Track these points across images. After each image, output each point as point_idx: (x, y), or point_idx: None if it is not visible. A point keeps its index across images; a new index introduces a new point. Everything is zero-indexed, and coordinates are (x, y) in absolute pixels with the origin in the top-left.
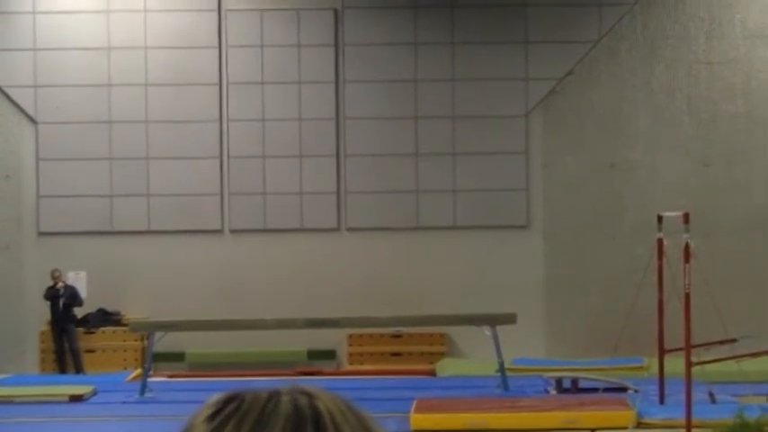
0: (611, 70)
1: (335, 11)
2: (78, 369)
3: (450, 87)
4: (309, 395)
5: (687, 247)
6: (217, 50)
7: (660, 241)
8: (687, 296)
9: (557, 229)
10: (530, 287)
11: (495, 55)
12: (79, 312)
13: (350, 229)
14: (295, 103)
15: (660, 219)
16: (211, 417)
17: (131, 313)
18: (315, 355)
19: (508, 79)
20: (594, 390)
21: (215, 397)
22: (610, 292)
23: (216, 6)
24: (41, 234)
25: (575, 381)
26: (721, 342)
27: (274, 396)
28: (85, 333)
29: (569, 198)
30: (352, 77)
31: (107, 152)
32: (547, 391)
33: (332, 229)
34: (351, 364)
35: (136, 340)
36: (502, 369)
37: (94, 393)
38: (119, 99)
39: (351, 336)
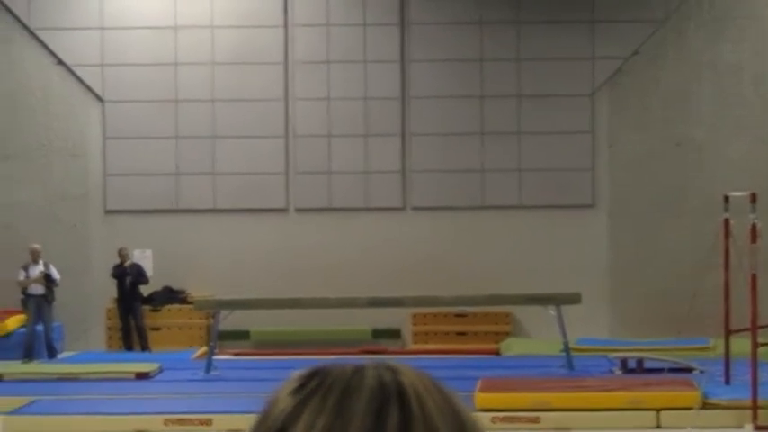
0: (678, 49)
1: None
2: (144, 347)
3: (515, 67)
4: (394, 370)
5: (754, 227)
6: (283, 29)
7: (726, 222)
8: (753, 277)
9: (622, 209)
10: (594, 266)
11: (561, 34)
12: (145, 290)
13: (414, 208)
14: (360, 82)
15: (726, 199)
16: (296, 390)
17: (196, 291)
18: (379, 334)
19: (574, 59)
20: (660, 370)
21: (299, 371)
22: (675, 272)
23: None
24: (108, 212)
25: (640, 361)
26: None
27: (359, 371)
28: (151, 311)
29: (635, 177)
30: (417, 57)
31: (173, 131)
32: (612, 372)
33: (397, 209)
34: (415, 343)
35: (201, 318)
36: (566, 349)
37: (160, 371)
38: (185, 78)
39: (415, 315)
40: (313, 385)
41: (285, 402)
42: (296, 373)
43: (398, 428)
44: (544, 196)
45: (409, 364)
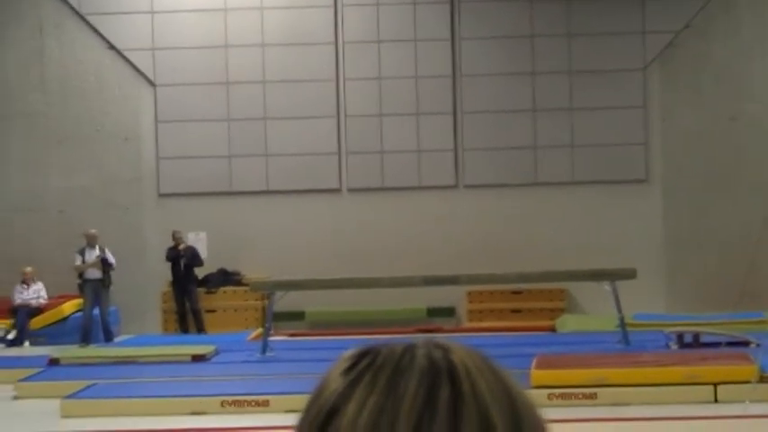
0: (729, 22)
1: None
2: (200, 329)
3: (566, 42)
4: (444, 348)
5: None
6: (332, 9)
7: None
8: None
9: (676, 184)
10: (649, 242)
11: (612, 9)
12: (200, 273)
13: (467, 186)
14: (411, 61)
15: None
16: (347, 370)
17: (251, 273)
18: (434, 312)
19: (625, 33)
20: (716, 344)
21: (350, 351)
22: (730, 247)
23: None
24: (161, 195)
25: (696, 335)
26: None
27: (409, 350)
28: (206, 293)
29: (688, 152)
30: (467, 34)
31: (225, 113)
32: (668, 346)
33: (449, 187)
34: (470, 321)
35: (256, 300)
36: (622, 324)
37: (216, 353)
38: (236, 60)
39: (470, 293)
40: (364, 365)
41: (336, 382)
42: (347, 353)
43: (449, 407)
44: (597, 172)
45: (460, 342)
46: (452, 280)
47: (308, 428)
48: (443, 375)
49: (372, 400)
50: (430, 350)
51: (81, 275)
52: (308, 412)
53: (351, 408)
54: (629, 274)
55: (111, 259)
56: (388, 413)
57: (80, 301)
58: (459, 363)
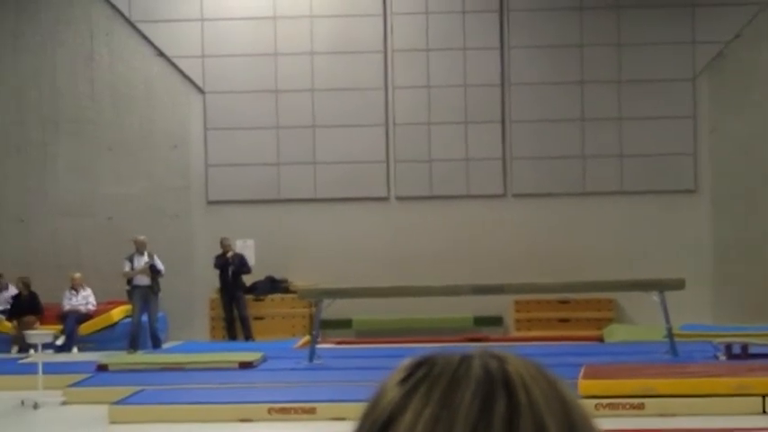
0: None
1: None
2: (248, 336)
3: (615, 52)
4: (500, 359)
5: None
6: (381, 18)
7: None
8: None
9: (725, 194)
10: (697, 252)
11: (661, 18)
12: (248, 280)
13: (515, 195)
14: (460, 70)
15: None
16: (403, 380)
17: (298, 281)
18: (481, 321)
19: (675, 43)
20: (765, 355)
21: (406, 361)
22: None
23: None
24: (210, 203)
25: (745, 346)
26: None
27: (465, 360)
28: (254, 300)
29: (738, 162)
30: (516, 43)
31: (274, 121)
32: (716, 357)
33: (498, 195)
34: (518, 330)
35: (304, 307)
36: (670, 335)
37: (264, 360)
38: (285, 68)
39: (517, 302)
40: (420, 375)
41: (393, 392)
42: (404, 363)
43: (505, 418)
44: (646, 182)
45: (515, 352)
46: (501, 289)
47: None
48: (499, 386)
49: (428, 410)
50: (486, 360)
51: (130, 282)
52: (363, 422)
53: (407, 418)
54: (678, 285)
55: (160, 266)
56: (444, 424)
57: (128, 307)
58: (515, 373)
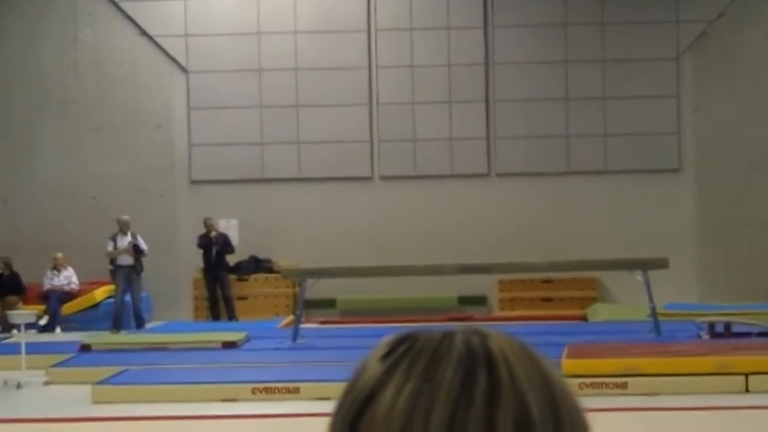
0: (763, 12)
1: None
2: (231, 316)
3: (599, 31)
4: (482, 335)
5: None
6: None
7: None
8: None
9: (709, 173)
10: (681, 231)
11: None
12: (231, 260)
13: (499, 175)
14: (444, 49)
15: None
16: (385, 356)
17: (282, 260)
18: (465, 301)
19: (658, 22)
20: (748, 334)
21: (388, 337)
22: (762, 237)
23: None
24: (193, 182)
25: (728, 325)
26: None
27: (447, 336)
28: (238, 280)
29: (721, 141)
30: (500, 22)
31: (257, 100)
32: (699, 336)
33: (482, 175)
34: (501, 309)
35: (287, 287)
36: (654, 314)
37: (247, 340)
38: (268, 47)
39: (501, 281)
40: (401, 351)
41: (374, 368)
42: (385, 340)
43: (486, 394)
44: (630, 161)
45: (499, 330)
46: (485, 268)
47: (344, 414)
48: (481, 362)
49: (409, 386)
50: (468, 337)
51: (113, 262)
52: (344, 398)
53: (387, 394)
54: (662, 264)
55: (143, 246)
56: (425, 399)
57: (112, 287)
58: (497, 350)
